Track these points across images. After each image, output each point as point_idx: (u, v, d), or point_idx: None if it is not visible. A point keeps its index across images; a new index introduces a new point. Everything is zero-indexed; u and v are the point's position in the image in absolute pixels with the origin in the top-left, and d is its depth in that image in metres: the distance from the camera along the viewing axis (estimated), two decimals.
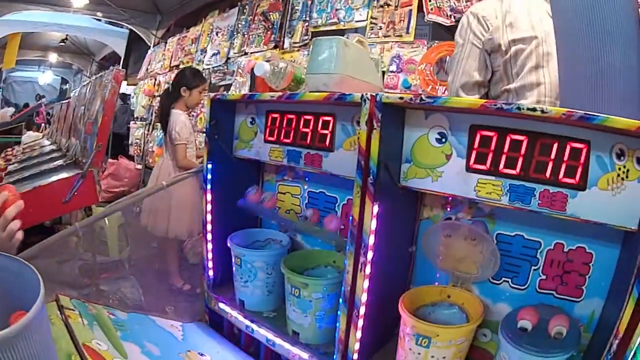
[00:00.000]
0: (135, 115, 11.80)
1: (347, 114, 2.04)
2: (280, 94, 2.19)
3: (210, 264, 2.75)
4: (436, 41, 5.74)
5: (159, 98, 10.21)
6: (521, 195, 1.60)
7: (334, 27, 7.41)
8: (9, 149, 9.95)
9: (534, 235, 1.83)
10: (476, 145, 1.68)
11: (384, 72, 6.32)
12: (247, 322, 2.50)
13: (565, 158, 1.52)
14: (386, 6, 6.68)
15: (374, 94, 1.81)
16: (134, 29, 15.43)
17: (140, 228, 4.36)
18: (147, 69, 13.73)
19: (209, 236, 2.72)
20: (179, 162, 5.36)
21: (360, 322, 1.92)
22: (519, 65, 2.59)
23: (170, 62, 12.44)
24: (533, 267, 1.85)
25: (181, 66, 11.62)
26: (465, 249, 1.95)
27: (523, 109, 1.48)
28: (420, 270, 2.14)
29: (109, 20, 15.91)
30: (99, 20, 16.51)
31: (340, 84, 2.04)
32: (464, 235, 1.94)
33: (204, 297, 2.82)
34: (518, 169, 1.60)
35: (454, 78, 2.81)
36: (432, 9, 5.76)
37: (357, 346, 1.96)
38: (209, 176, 2.65)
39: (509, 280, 1.91)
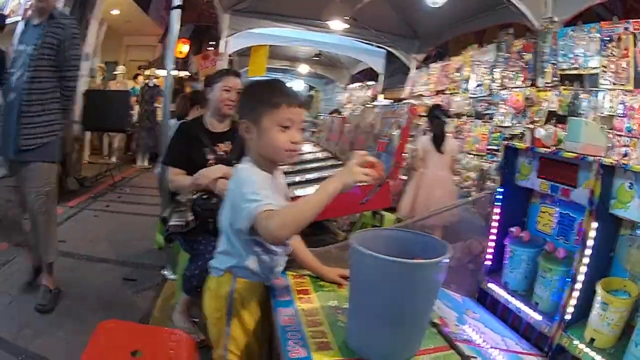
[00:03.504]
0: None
1: (587, 166, 2.92)
2: (551, 151, 3.34)
3: (489, 257, 3.73)
4: None
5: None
6: None
7: (575, 72, 8.16)
8: None
9: None
10: None
11: (613, 116, 7.14)
12: (507, 297, 3.43)
13: None
14: (612, 56, 7.42)
15: (599, 160, 2.78)
16: (392, 51, 16.25)
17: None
18: (411, 91, 14.79)
19: (493, 237, 3.70)
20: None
21: (576, 295, 2.83)
22: None
23: (436, 87, 13.36)
24: None
25: (447, 91, 12.87)
26: (637, 256, 2.77)
27: None
28: (614, 267, 2.90)
29: (368, 42, 16.86)
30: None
31: (583, 148, 3.16)
32: (637, 247, 2.78)
33: (478, 279, 3.74)
34: None
35: None
36: None
37: (570, 310, 2.86)
38: (500, 197, 3.66)
39: None
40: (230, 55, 17.41)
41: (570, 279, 2.88)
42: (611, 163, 2.75)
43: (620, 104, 7.28)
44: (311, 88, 33.27)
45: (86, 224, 10.11)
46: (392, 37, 16.11)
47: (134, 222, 10.40)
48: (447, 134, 8.78)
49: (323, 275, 3.44)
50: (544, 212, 3.58)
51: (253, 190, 2.71)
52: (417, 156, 8.49)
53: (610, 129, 7.45)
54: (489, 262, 3.76)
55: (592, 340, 2.71)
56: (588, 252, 2.80)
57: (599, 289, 2.71)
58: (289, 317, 2.82)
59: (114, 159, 18.07)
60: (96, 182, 14.35)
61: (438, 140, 8.45)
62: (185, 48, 19.77)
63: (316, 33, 17.26)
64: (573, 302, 2.85)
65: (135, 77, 19.79)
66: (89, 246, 8.49)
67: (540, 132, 7.23)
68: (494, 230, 3.71)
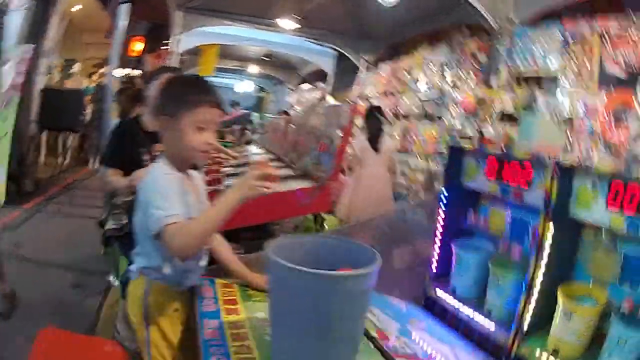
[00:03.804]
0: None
1: (542, 166, 2.80)
2: (501, 151, 3.21)
3: (435, 262, 3.65)
4: (615, 91, 6.24)
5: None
6: (634, 226, 2.35)
7: (533, 75, 8.00)
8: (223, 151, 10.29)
9: None
10: (612, 192, 2.45)
11: (572, 118, 6.73)
12: (456, 304, 3.34)
13: None
14: (573, 56, 7.26)
15: (555, 159, 2.70)
16: (343, 52, 16.06)
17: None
18: (360, 92, 14.60)
19: (438, 242, 3.63)
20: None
21: (533, 303, 2.71)
22: None
23: (386, 88, 13.19)
24: None
25: (396, 93, 12.65)
26: (603, 261, 2.69)
27: (634, 174, 2.38)
28: (577, 272, 2.81)
29: (318, 43, 16.70)
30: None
31: (538, 146, 3.06)
32: (602, 252, 2.70)
33: (424, 285, 3.63)
34: (633, 209, 2.35)
35: None
36: (608, 60, 6.34)
37: (528, 319, 2.74)
38: (444, 199, 3.59)
39: (629, 284, 2.57)
40: (182, 54, 17.21)
41: (525, 286, 2.77)
42: (571, 164, 2.71)
43: (582, 104, 7.00)
44: (261, 89, 33.12)
45: (41, 227, 10.05)
46: (342, 37, 16.04)
47: (86, 226, 9.89)
48: (384, 134, 8.78)
49: (250, 282, 3.34)
50: (494, 215, 3.51)
51: (160, 197, 2.68)
52: (355, 156, 8.45)
53: (570, 130, 7.28)
54: (435, 267, 3.68)
55: (556, 351, 2.60)
56: (545, 257, 2.71)
57: (560, 297, 2.60)
58: (212, 330, 2.72)
59: (67, 160, 17.75)
60: (51, 183, 14.22)
61: (374, 140, 8.48)
62: (139, 46, 19.51)
63: (267, 33, 17.10)
64: (531, 310, 2.75)
65: (90, 75, 19.62)
66: (43, 250, 8.42)
67: (489, 131, 6.97)
68: (439, 234, 3.65)
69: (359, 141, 8.43)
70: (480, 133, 8.39)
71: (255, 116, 21.64)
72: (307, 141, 6.95)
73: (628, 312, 2.49)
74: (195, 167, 3.16)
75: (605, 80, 6.63)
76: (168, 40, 15.97)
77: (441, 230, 3.63)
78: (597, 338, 2.53)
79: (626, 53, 6.30)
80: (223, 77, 29.04)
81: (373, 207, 7.74)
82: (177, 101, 2.84)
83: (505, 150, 3.21)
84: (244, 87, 31.70)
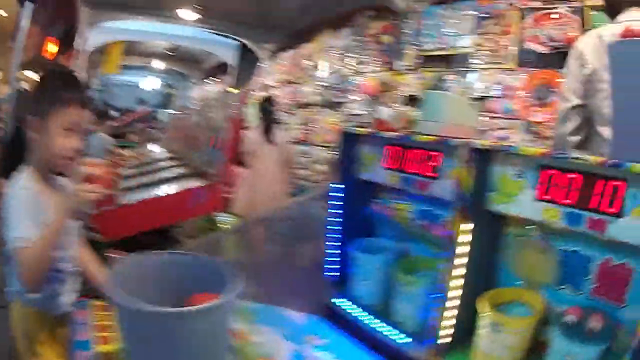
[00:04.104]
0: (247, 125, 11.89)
1: (452, 151, 2.43)
2: (400, 134, 2.77)
3: (332, 266, 3.22)
4: (535, 69, 6.00)
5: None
6: (573, 220, 2.01)
7: (442, 53, 7.81)
8: (117, 153, 10.25)
9: (587, 251, 2.17)
10: (543, 180, 2.12)
11: (486, 97, 6.75)
12: (360, 314, 2.92)
13: (607, 192, 1.89)
14: (489, 34, 7.05)
15: (468, 142, 2.30)
16: (244, 42, 15.86)
17: (258, 234, 4.53)
18: (261, 82, 14.17)
19: (333, 243, 3.20)
20: None
21: (449, 313, 2.35)
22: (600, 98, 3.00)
23: (286, 77, 12.88)
24: (587, 277, 2.17)
25: (296, 82, 12.30)
26: (534, 260, 2.35)
27: (572, 158, 1.99)
28: (503, 275, 2.49)
29: (219, 33, 16.42)
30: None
31: (445, 129, 2.62)
32: (533, 249, 2.35)
33: (322, 293, 3.20)
34: (572, 200, 2.01)
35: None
36: (528, 37, 6.06)
37: (445, 332, 2.38)
38: (336, 194, 3.16)
39: (568, 286, 2.24)
40: (92, 54, 16.56)
41: (439, 294, 2.39)
42: (488, 147, 2.32)
43: (497, 84, 6.86)
44: (168, 85, 32.10)
45: None
46: (244, 27, 15.43)
47: None
48: (277, 125, 8.54)
49: None
50: (398, 211, 3.09)
51: (14, 215, 2.47)
52: (248, 149, 8.12)
53: (485, 111, 7.03)
54: (333, 273, 3.28)
55: None
56: (460, 259, 2.35)
57: (483, 306, 2.26)
58: None
59: None
60: None
61: (268, 132, 8.21)
62: (53, 48, 18.94)
63: (170, 26, 16.70)
64: (448, 322, 2.39)
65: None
66: None
67: (384, 112, 6.32)
68: (335, 234, 3.24)
69: (253, 133, 8.17)
70: (376, 117, 8.08)
71: (162, 114, 21.24)
72: (202, 137, 6.78)
73: (573, 323, 2.11)
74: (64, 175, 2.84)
75: (525, 59, 6.42)
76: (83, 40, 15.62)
77: (336, 229, 3.23)
78: (538, 346, 2.21)
79: (549, 29, 6.02)
80: (129, 75, 28.35)
81: (270, 201, 7.50)
82: (47, 98, 2.59)
83: (406, 135, 2.71)
84: (151, 84, 31.07)
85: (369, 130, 3.19)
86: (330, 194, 3.19)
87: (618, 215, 1.89)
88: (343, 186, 3.18)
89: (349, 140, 3.15)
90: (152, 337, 1.87)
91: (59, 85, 2.63)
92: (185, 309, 1.89)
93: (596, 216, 1.95)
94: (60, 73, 2.87)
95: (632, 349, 1.80)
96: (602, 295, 2.15)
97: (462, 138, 2.39)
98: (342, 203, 3.19)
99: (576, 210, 2.02)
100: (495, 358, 2.22)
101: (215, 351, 2.04)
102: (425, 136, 2.64)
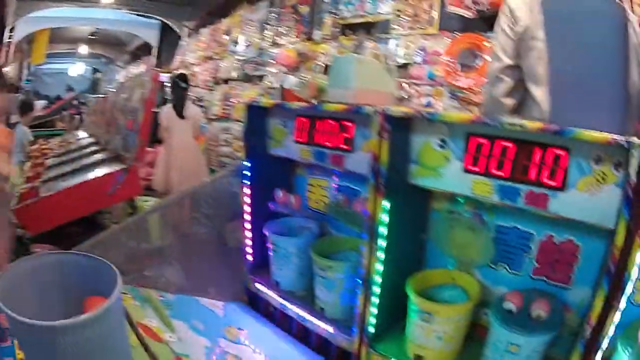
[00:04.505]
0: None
1: (366, 121, 2.20)
2: (307, 105, 2.54)
3: (249, 250, 3.01)
4: (459, 33, 5.79)
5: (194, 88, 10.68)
6: (508, 194, 1.81)
7: (361, 20, 7.52)
8: (43, 143, 10.12)
9: (528, 227, 2.01)
10: (471, 150, 1.90)
11: (408, 64, 6.50)
12: (281, 301, 2.75)
13: (548, 163, 1.68)
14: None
15: (382, 109, 2.07)
16: (164, 21, 15.81)
17: (180, 214, 4.44)
18: (181, 60, 14.14)
19: (248, 225, 2.98)
20: None
21: (375, 300, 2.18)
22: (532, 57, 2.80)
23: (205, 54, 12.74)
24: (527, 255, 2.03)
25: (215, 57, 12.13)
26: (466, 238, 2.16)
27: (504, 124, 1.74)
28: (431, 255, 2.32)
29: (141, 14, 16.28)
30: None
31: (357, 96, 2.34)
32: (464, 226, 2.17)
33: (243, 279, 3.05)
34: (506, 172, 1.80)
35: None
36: (452, 1, 5.79)
37: (372, 320, 2.21)
38: (247, 172, 2.92)
39: (507, 265, 2.09)
40: (22, 44, 16.90)
41: (361, 279, 2.24)
42: (405, 114, 2.08)
43: (420, 49, 6.57)
44: (95, 70, 31.76)
45: None
46: (164, 5, 15.53)
47: None
48: (188, 101, 8.71)
49: None
50: (313, 187, 2.99)
51: None
52: (162, 125, 8.32)
53: (407, 79, 6.72)
54: (250, 257, 3.07)
55: (420, 357, 2.10)
56: (381, 241, 2.15)
57: (411, 293, 2.06)
58: None
59: None
60: None
61: (179, 108, 8.33)
62: None
63: (92, 10, 16.70)
64: (374, 310, 2.22)
65: None
66: None
67: (289, 81, 5.85)
68: (248, 217, 3.02)
69: (164, 111, 8.37)
70: (284, 87, 7.91)
71: (89, 99, 21.06)
72: (119, 120, 6.56)
73: (517, 309, 1.93)
74: None
75: (448, 23, 6.18)
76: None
77: (249, 210, 3.01)
78: (477, 330, 2.11)
79: None
80: (56, 62, 27.86)
81: (187, 176, 7.65)
82: None
83: (315, 105, 2.46)
84: (78, 69, 30.66)
85: (275, 101, 2.89)
86: (242, 172, 2.98)
87: (561, 188, 1.68)
88: (249, 164, 2.94)
89: (256, 114, 2.90)
90: (37, 349, 1.68)
91: None
92: (58, 322, 1.61)
93: (536, 190, 1.77)
94: None
95: (583, 338, 1.62)
96: (546, 275, 2.01)
97: (378, 106, 2.13)
98: (250, 182, 2.96)
99: (511, 184, 1.82)
100: (429, 348, 2.05)
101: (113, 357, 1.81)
102: (334, 105, 2.39)
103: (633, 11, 2.96)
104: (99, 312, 1.64)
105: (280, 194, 2.91)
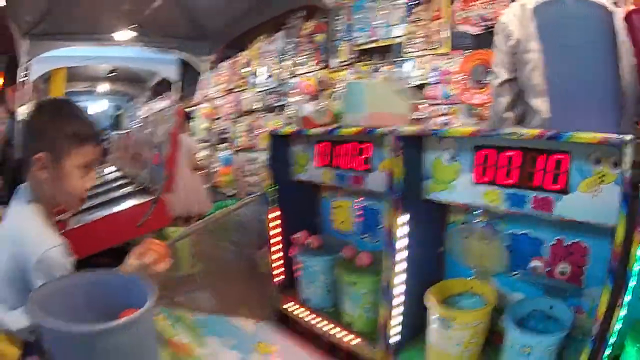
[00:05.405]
0: (195, 138, 11.82)
1: (380, 142, 2.33)
2: (324, 130, 2.63)
3: (279, 271, 3.14)
4: (470, 51, 5.88)
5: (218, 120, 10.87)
6: (516, 201, 1.88)
7: (374, 45, 7.66)
8: None
9: (538, 233, 2.07)
10: (479, 162, 1.99)
11: (425, 84, 6.61)
12: (311, 317, 2.85)
13: (550, 168, 1.74)
14: (420, 20, 6.89)
15: (393, 129, 2.18)
16: (182, 57, 15.93)
17: (209, 242, 4.51)
18: (203, 94, 14.19)
19: (279, 247, 3.11)
20: None
21: (396, 312, 2.26)
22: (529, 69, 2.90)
23: (226, 86, 12.82)
24: (539, 260, 2.08)
25: (236, 90, 12.21)
26: (481, 248, 2.25)
27: (505, 134, 1.83)
28: (450, 266, 2.39)
29: (158, 50, 16.40)
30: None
31: (370, 119, 2.44)
32: (479, 236, 2.25)
33: (273, 299, 3.16)
34: (513, 180, 1.88)
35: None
36: (459, 19, 5.93)
37: (395, 331, 2.28)
38: (274, 197, 3.06)
39: (520, 272, 2.15)
40: (38, 83, 16.30)
41: (384, 292, 2.30)
42: (413, 132, 2.21)
43: (433, 70, 6.71)
44: (117, 107, 32.09)
45: None
46: (181, 41, 15.53)
47: None
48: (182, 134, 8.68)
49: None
50: (336, 208, 3.10)
51: (37, 234, 2.23)
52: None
53: (422, 98, 6.89)
54: (280, 277, 3.19)
55: None
56: (401, 254, 2.24)
57: (431, 302, 2.12)
58: None
59: None
60: None
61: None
62: None
63: (109, 48, 16.45)
64: (396, 320, 2.30)
65: None
66: None
67: (307, 109, 5.97)
68: (276, 239, 3.13)
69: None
70: (300, 116, 7.92)
71: (112, 135, 21.09)
72: (145, 153, 6.52)
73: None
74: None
75: (460, 41, 6.28)
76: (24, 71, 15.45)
77: (277, 233, 3.11)
78: (494, 338, 2.11)
79: (479, 9, 5.94)
80: (76, 100, 27.65)
81: (192, 204, 8.00)
82: (60, 134, 2.29)
83: (331, 130, 2.55)
84: (98, 107, 30.53)
85: (294, 129, 3.01)
86: (269, 198, 3.10)
87: (564, 191, 1.75)
88: (281, 190, 3.08)
89: (279, 142, 3.06)
90: (75, 356, 1.70)
91: (74, 123, 2.37)
92: (97, 326, 1.67)
93: (541, 195, 1.82)
94: (65, 106, 2.56)
95: (592, 336, 1.65)
96: (558, 278, 2.04)
97: (391, 127, 2.23)
98: (278, 205, 3.09)
99: (519, 191, 1.89)
100: (449, 355, 2.10)
101: None
102: (349, 129, 2.52)
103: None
104: (136, 316, 1.72)
105: (300, 236, 2.99)
